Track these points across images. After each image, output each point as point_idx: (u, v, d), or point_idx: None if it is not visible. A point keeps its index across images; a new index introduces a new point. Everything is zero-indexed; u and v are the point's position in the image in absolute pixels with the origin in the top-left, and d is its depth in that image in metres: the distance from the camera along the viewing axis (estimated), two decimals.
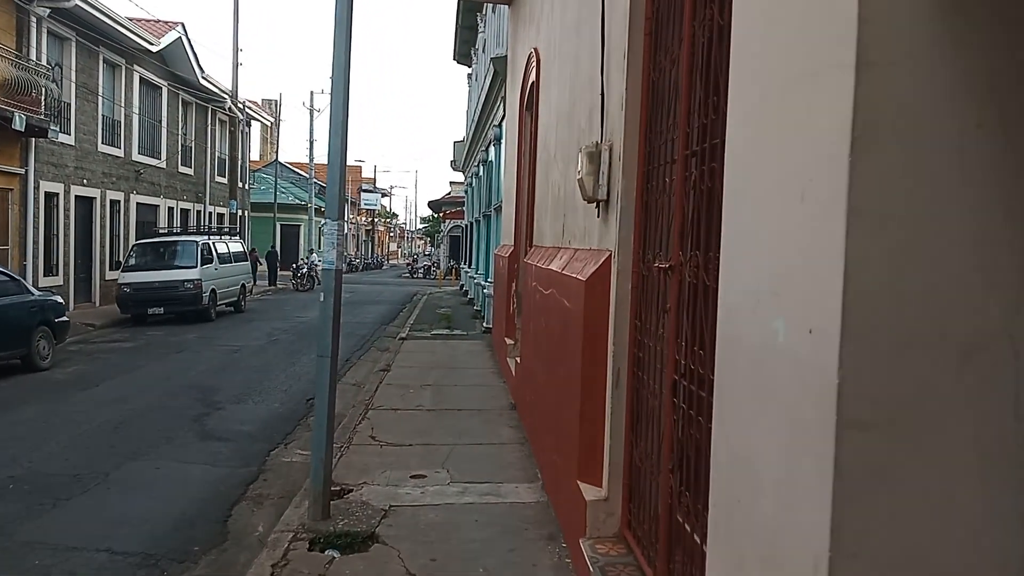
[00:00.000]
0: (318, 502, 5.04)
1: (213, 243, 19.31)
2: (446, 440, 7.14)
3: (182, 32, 23.80)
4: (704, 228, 2.89)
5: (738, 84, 2.35)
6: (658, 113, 3.73)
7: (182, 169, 26.68)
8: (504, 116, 14.53)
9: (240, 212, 31.35)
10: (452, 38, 30.50)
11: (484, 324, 16.56)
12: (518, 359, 8.69)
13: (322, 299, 5.06)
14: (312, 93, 48.32)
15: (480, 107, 18.53)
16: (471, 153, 25.47)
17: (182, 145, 26.51)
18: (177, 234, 20.47)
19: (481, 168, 20.70)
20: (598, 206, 4.41)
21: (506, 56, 13.56)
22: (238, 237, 22.59)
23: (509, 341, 10.40)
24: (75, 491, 5.93)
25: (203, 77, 25.74)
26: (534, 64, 8.72)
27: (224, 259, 19.65)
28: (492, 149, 17.27)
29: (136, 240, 20.57)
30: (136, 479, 6.29)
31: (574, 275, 4.68)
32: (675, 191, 3.27)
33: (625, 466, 3.99)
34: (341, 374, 11.42)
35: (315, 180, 52.55)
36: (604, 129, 4.40)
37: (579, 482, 4.35)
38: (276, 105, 63.75)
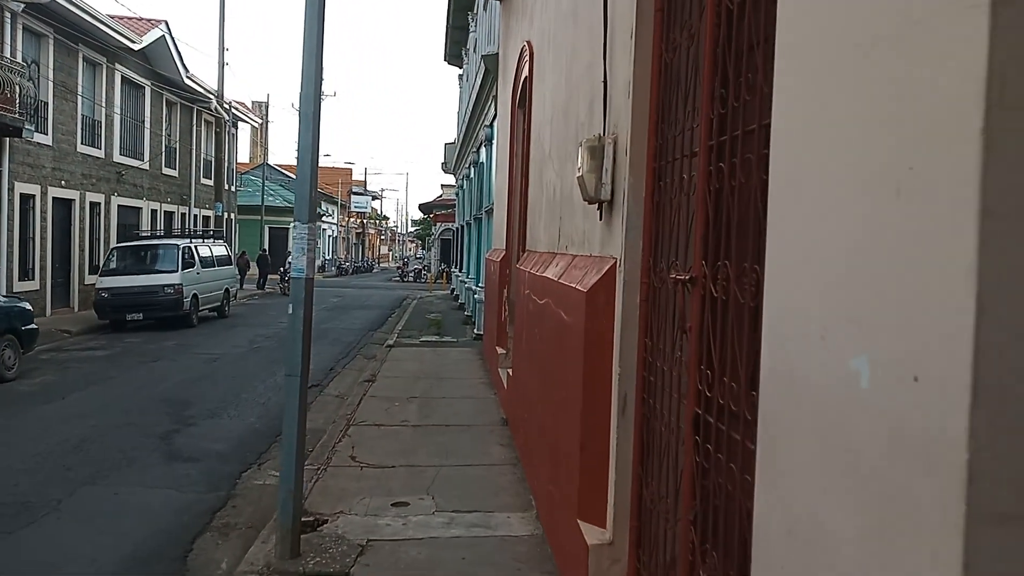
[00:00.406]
0: (286, 540, 4.50)
1: (195, 247, 18.72)
2: (432, 461, 6.61)
3: (165, 30, 23.21)
4: (736, 233, 2.38)
5: (792, 49, 1.84)
6: (672, 99, 3.22)
7: (166, 171, 26.07)
8: (495, 116, 14.05)
9: (227, 215, 30.74)
10: (443, 39, 30.05)
11: (475, 330, 16.04)
12: (510, 371, 8.17)
13: (291, 310, 4.52)
14: (301, 96, 47.57)
15: (471, 107, 18.02)
16: (462, 155, 24.96)
17: (166, 146, 25.91)
18: (158, 237, 19.85)
19: (472, 170, 20.20)
20: (600, 208, 3.90)
21: (497, 53, 13.07)
22: (222, 240, 21.98)
23: (500, 351, 9.89)
24: (20, 523, 5.37)
25: (187, 77, 25.15)
26: (527, 58, 8.22)
27: (207, 263, 19.05)
28: (483, 150, 16.76)
29: (116, 243, 19.96)
30: (91, 508, 5.74)
31: (573, 285, 4.16)
32: (696, 189, 2.75)
33: (633, 507, 3.47)
34: (324, 385, 10.91)
35: None
36: (607, 121, 3.89)
37: (580, 521, 3.83)
38: (265, 107, 63.26)
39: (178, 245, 18.05)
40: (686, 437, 2.75)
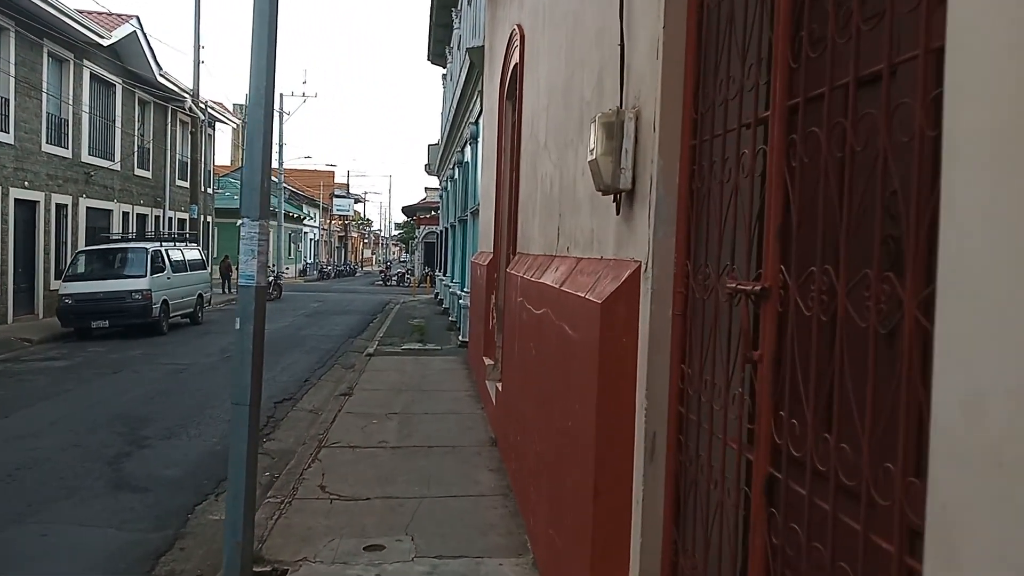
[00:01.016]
0: None
1: (166, 250, 17.82)
2: (412, 490, 5.84)
3: (137, 26, 22.30)
4: (847, 227, 1.65)
5: None
6: (717, 55, 2.49)
7: (139, 172, 25.12)
8: (481, 112, 13.32)
9: (203, 218, 29.77)
10: (426, 38, 29.33)
11: (460, 337, 15.27)
12: (499, 385, 7.42)
13: (238, 326, 3.75)
14: (281, 95, 46.69)
15: (455, 105, 17.28)
16: (446, 155, 24.21)
17: (139, 147, 24.97)
18: (126, 240, 18.93)
19: (456, 170, 19.45)
20: (618, 199, 3.17)
21: (483, 46, 12.34)
22: (195, 244, 21.08)
23: (488, 361, 9.13)
24: None
25: (161, 74, 24.22)
26: (517, 43, 7.48)
27: (178, 267, 18.16)
28: (468, 149, 16.02)
29: (83, 247, 19.03)
30: (11, 553, 4.92)
31: (582, 295, 3.42)
32: (770, 166, 2.02)
33: None
34: (297, 398, 10.12)
35: (285, 185, 50.97)
36: (625, 92, 3.16)
37: None
38: (245, 110, 62.10)
39: (147, 249, 17.16)
40: (755, 506, 2.01)
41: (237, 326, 3.79)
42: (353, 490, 5.83)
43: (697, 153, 2.65)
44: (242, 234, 3.71)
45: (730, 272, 2.29)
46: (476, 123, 14.46)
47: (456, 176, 19.92)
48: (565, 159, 4.62)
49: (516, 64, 7.57)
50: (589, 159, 3.15)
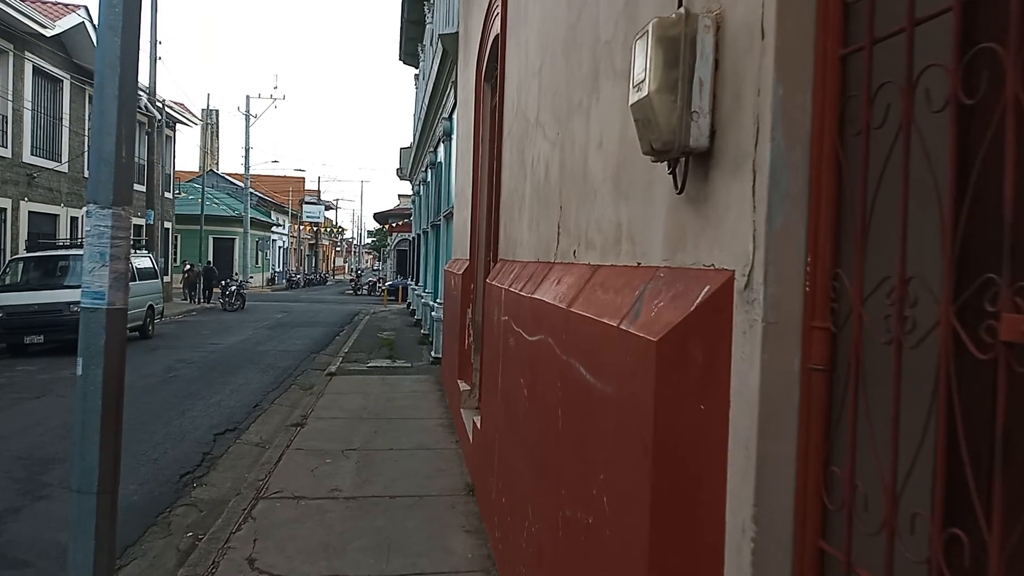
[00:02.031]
0: None
1: None
2: (367, 567, 4.54)
3: (85, 16, 20.78)
4: None
5: None
6: None
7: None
8: (455, 106, 12.10)
9: (160, 224, 28.16)
10: (397, 36, 28.11)
11: (432, 353, 13.97)
12: (477, 419, 6.15)
13: (79, 371, 2.45)
14: (248, 98, 45.15)
15: (427, 100, 16.02)
16: (418, 158, 22.93)
17: (89, 147, 23.36)
18: (65, 247, 17.40)
19: (429, 172, 18.18)
20: (678, 167, 1.93)
21: (457, 32, 11.13)
22: (146, 251, 19.55)
23: (463, 386, 7.87)
24: None
25: None
26: (497, 9, 6.26)
27: None
28: (441, 147, 14.77)
29: (16, 254, 17.45)
30: None
31: (614, 323, 2.16)
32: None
33: None
34: (243, 428, 8.77)
35: (251, 190, 49.29)
36: None
37: None
38: (215, 115, 60.39)
39: None
40: None
41: (79, 371, 2.49)
42: (290, 565, 4.52)
43: (856, 72, 1.42)
44: (87, 228, 2.45)
45: (988, 299, 1.05)
46: (450, 118, 13.23)
47: (428, 179, 18.66)
48: (570, 130, 3.39)
49: (497, 36, 6.35)
50: (634, 100, 1.90)
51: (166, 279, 29.70)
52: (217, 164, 59.77)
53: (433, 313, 14.15)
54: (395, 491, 6.00)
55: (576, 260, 3.19)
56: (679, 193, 1.94)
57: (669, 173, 1.97)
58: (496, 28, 6.39)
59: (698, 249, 1.86)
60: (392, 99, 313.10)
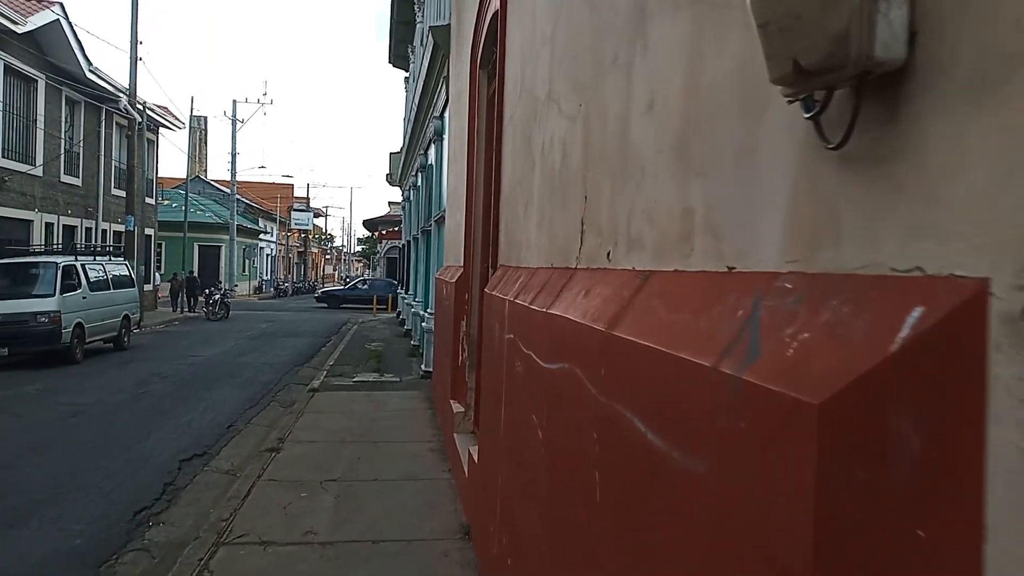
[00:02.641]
0: None
1: (83, 265, 15.43)
2: None
3: (61, 13, 19.95)
4: None
5: None
6: None
7: (66, 178, 22.65)
8: (447, 103, 11.35)
9: (141, 230, 27.26)
10: (387, 38, 27.43)
11: (423, 366, 13.17)
12: (473, 452, 5.34)
13: None
14: (235, 102, 44.31)
15: (417, 100, 15.26)
16: (408, 162, 22.16)
17: (66, 150, 22.51)
18: (34, 254, 16.51)
19: (420, 176, 17.40)
20: (828, 106, 1.15)
21: (449, 24, 10.39)
22: (122, 258, 18.65)
23: (457, 407, 7.07)
24: None
25: (91, 70, 21.84)
26: None
27: (98, 285, 15.78)
28: (432, 149, 13.99)
29: None
30: None
31: (716, 366, 1.37)
32: None
33: None
34: (214, 452, 7.96)
35: (239, 197, 48.36)
36: None
37: None
38: (204, 122, 59.41)
39: (57, 264, 14.74)
40: None
41: None
42: None
43: None
44: None
45: None
46: (441, 117, 12.47)
47: (419, 183, 17.88)
48: (599, 98, 2.61)
49: (496, 12, 5.58)
50: None
51: (148, 287, 28.87)
52: (206, 172, 58.79)
53: (423, 324, 13.36)
54: (379, 534, 5.18)
55: (612, 265, 2.41)
56: (834, 148, 1.15)
57: (811, 116, 1.18)
58: (495, 4, 5.62)
59: (877, 243, 1.08)
60: (382, 105, 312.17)
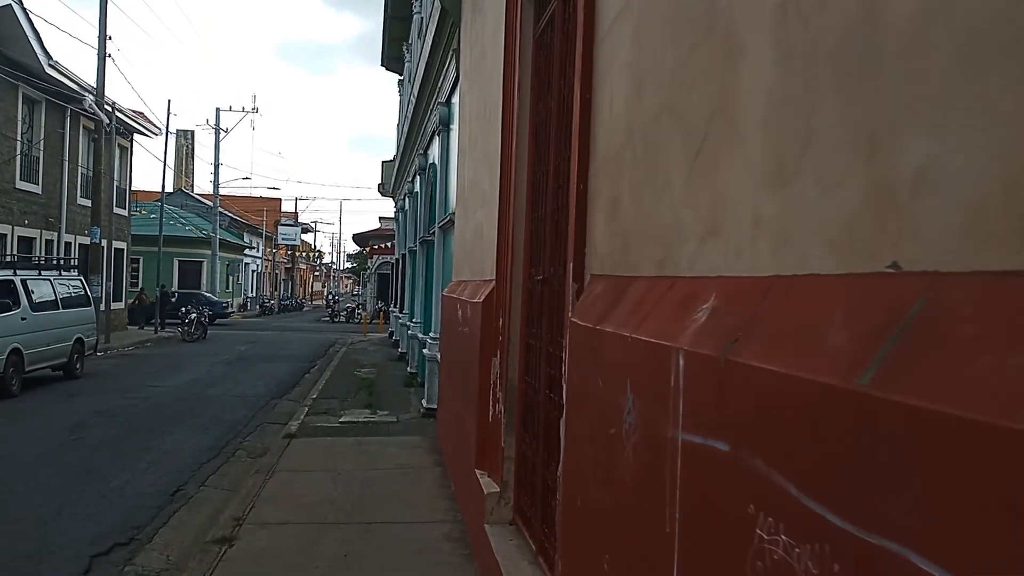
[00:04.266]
0: None
1: (24, 281, 13.16)
2: None
3: (14, 1, 17.77)
4: None
5: None
6: None
7: (23, 185, 20.39)
8: (457, 82, 9.29)
9: (118, 244, 25.01)
10: (380, 37, 25.49)
11: (424, 401, 10.95)
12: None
13: None
14: (218, 110, 42.15)
15: (418, 89, 13.15)
16: (404, 167, 20.05)
17: (23, 153, 20.26)
18: None
19: (418, 181, 15.26)
20: None
21: None
22: (76, 272, 16.35)
23: (488, 484, 4.89)
24: None
25: (50, 64, 19.61)
26: None
27: (42, 305, 13.49)
28: (436, 144, 11.88)
29: None
30: None
31: None
32: None
33: None
34: (147, 535, 5.75)
35: (223, 210, 46.06)
36: None
37: None
38: (191, 136, 57.11)
39: None
40: None
41: None
42: None
43: None
44: None
45: None
46: (448, 103, 10.37)
47: (417, 188, 15.76)
48: None
49: None
50: None
51: (119, 305, 26.54)
52: (192, 186, 56.42)
53: (425, 350, 11.16)
54: None
55: None
56: None
57: None
58: None
59: None
60: (374, 117, 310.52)
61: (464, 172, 7.86)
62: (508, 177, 4.94)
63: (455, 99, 9.94)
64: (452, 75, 9.61)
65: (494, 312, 5.07)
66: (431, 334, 10.88)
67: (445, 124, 10.49)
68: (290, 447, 8.48)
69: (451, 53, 9.43)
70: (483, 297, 5.31)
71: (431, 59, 11.03)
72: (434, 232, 11.69)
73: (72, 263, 17.42)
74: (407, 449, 8.45)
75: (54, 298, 13.98)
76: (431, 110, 12.05)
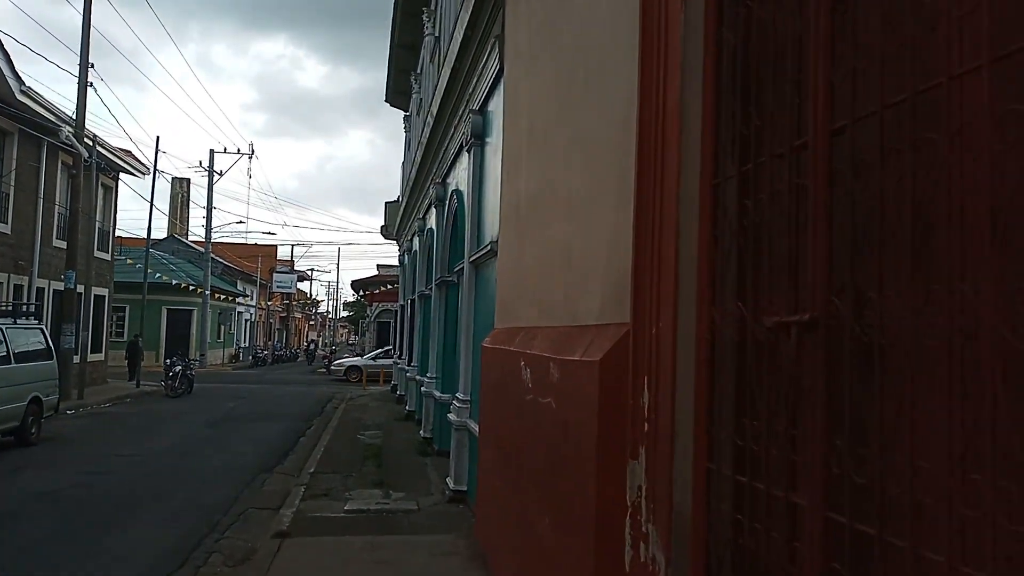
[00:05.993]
0: None
1: None
2: None
3: None
4: None
5: None
6: None
7: None
8: (497, 80, 7.44)
9: (98, 291, 22.93)
10: (385, 73, 23.98)
11: (450, 482, 8.75)
12: None
13: None
14: (212, 152, 40.39)
15: (437, 107, 11.23)
16: (411, 206, 18.14)
17: None
18: None
19: (433, 215, 13.26)
20: None
21: None
22: (34, 320, 14.21)
23: None
24: None
25: (22, 90, 17.77)
26: None
27: None
28: (462, 166, 9.95)
29: None
30: None
31: None
32: None
33: None
34: None
35: (216, 257, 44.05)
36: None
37: None
38: (187, 184, 55.38)
39: None
40: None
41: None
42: None
43: None
44: None
45: None
46: (482, 111, 8.43)
47: (431, 224, 13.78)
48: None
49: None
50: None
51: (97, 356, 24.34)
52: (187, 234, 54.54)
53: (451, 416, 9.00)
54: None
55: None
56: None
57: None
58: None
59: None
60: (373, 166, 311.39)
61: (519, 184, 5.87)
62: (653, 150, 2.92)
63: (492, 105, 8.04)
64: (491, 73, 7.71)
65: (629, 378, 3.00)
66: (459, 395, 8.76)
67: (479, 137, 8.55)
68: (281, 554, 6.30)
69: (491, 42, 7.51)
70: (602, 354, 3.22)
71: (458, 63, 9.14)
72: (460, 270, 9.66)
73: (29, 309, 15.27)
74: (439, 557, 6.26)
75: (5, 352, 11.84)
76: (456, 126, 10.13)
